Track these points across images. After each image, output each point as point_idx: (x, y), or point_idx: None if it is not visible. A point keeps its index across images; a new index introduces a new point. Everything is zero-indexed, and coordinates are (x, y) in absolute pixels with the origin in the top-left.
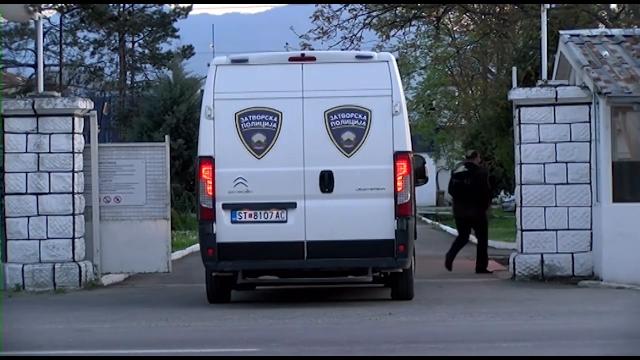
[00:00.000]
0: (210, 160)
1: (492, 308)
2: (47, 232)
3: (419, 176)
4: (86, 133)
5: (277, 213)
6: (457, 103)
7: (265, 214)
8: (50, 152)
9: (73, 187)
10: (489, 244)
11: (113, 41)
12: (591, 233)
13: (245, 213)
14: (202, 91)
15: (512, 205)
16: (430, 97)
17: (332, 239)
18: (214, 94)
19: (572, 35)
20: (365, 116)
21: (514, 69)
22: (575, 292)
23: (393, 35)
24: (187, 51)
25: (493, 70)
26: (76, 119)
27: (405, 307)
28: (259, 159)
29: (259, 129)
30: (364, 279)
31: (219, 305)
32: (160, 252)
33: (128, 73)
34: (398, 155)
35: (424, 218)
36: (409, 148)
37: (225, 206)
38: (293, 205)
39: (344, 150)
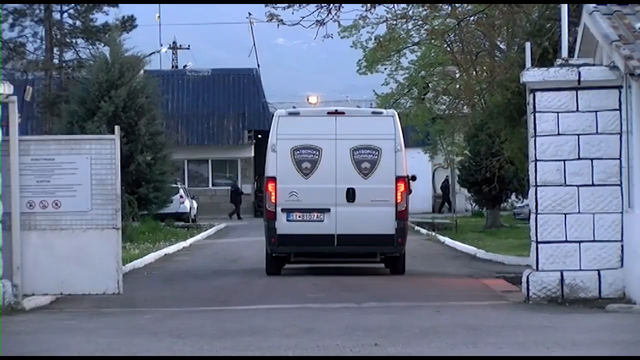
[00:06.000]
0: (274, 179)
1: (500, 337)
2: None
3: None
4: (5, 123)
5: (317, 215)
6: (458, 87)
7: (310, 215)
8: None
9: None
10: (497, 260)
11: (37, 11)
12: (622, 246)
13: (296, 214)
14: (145, 72)
15: (526, 211)
16: (425, 79)
17: (353, 233)
18: (277, 134)
19: (598, 4)
20: (377, 152)
21: (528, 44)
22: (603, 317)
23: (380, 4)
24: (128, 23)
25: (502, 46)
26: None
27: (394, 336)
28: (306, 179)
29: (306, 159)
30: (374, 260)
31: (168, 335)
32: (109, 269)
33: (56, 50)
34: (398, 179)
35: (417, 227)
36: (406, 173)
37: (283, 210)
38: (328, 210)
39: (363, 174)
